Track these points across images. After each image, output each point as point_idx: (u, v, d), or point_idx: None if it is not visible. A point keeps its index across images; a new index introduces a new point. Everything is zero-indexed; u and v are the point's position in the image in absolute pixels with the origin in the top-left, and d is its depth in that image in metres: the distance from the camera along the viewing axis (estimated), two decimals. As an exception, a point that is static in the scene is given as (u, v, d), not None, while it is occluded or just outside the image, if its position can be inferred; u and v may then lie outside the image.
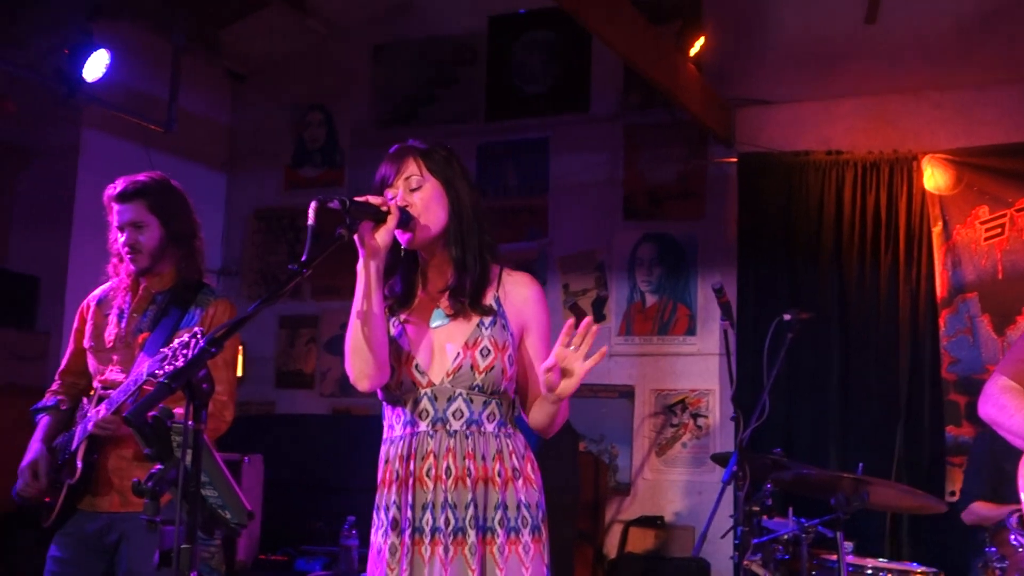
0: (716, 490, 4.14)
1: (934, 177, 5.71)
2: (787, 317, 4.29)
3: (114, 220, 3.35)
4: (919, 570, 4.11)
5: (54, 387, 3.48)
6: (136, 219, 3.29)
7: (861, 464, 4.14)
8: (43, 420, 3.39)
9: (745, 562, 3.91)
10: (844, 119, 6.04)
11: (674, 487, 6.18)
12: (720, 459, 4.88)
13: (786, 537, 4.20)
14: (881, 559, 4.40)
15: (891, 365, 5.64)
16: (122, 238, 3.32)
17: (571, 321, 2.35)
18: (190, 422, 1.90)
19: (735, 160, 6.16)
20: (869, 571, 4.08)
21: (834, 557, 3.94)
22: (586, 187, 6.61)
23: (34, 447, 3.32)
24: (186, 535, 1.90)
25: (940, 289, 5.64)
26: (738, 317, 5.79)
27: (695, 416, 6.18)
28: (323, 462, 5.45)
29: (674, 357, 6.27)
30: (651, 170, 6.47)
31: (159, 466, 1.98)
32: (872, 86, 6.00)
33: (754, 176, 6.08)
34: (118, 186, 3.34)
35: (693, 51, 5.86)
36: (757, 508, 3.93)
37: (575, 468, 5.59)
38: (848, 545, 4.13)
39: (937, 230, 5.67)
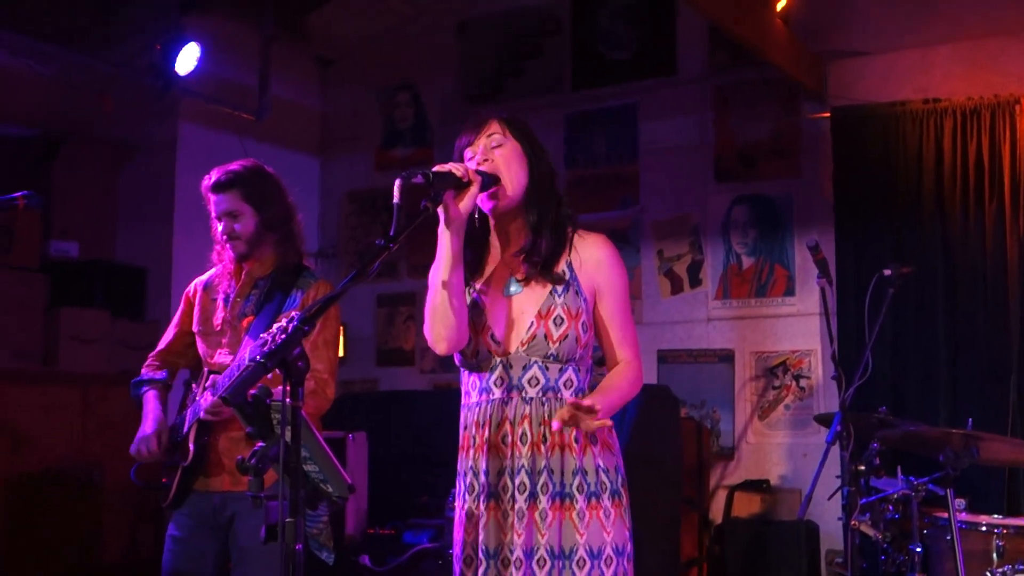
0: (821, 451, 4.07)
1: (1039, 120, 5.49)
2: (887, 272, 4.20)
3: (212, 210, 3.44)
4: (1036, 525, 4.00)
5: (151, 363, 3.58)
6: (231, 208, 3.37)
7: (971, 419, 4.04)
8: (152, 393, 3.49)
9: (854, 522, 3.85)
10: (941, 66, 5.84)
11: (778, 450, 6.11)
12: (823, 420, 4.80)
13: (895, 496, 4.14)
14: (996, 515, 4.29)
15: (1000, 316, 5.46)
16: (220, 227, 3.41)
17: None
18: (287, 399, 1.96)
19: (828, 115, 6.02)
20: (983, 528, 3.99)
21: (945, 515, 3.85)
22: (677, 151, 6.54)
23: (154, 416, 3.41)
24: (290, 509, 1.96)
25: (1050, 235, 5.44)
26: (838, 275, 5.68)
27: (797, 377, 6.09)
28: (426, 437, 5.52)
29: (773, 319, 6.19)
30: (742, 130, 6.37)
31: (261, 444, 2.05)
32: (969, 29, 5.79)
33: (849, 130, 5.93)
34: (213, 176, 3.41)
35: (780, 5, 5.72)
36: (863, 468, 3.86)
37: (677, 434, 5.57)
38: (961, 502, 4.04)
39: (1044, 175, 5.47)
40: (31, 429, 5.35)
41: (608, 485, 2.47)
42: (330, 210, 7.55)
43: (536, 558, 2.39)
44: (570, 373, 2.48)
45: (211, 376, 3.36)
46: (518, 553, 2.40)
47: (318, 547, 3.20)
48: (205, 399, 3.30)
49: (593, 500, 2.44)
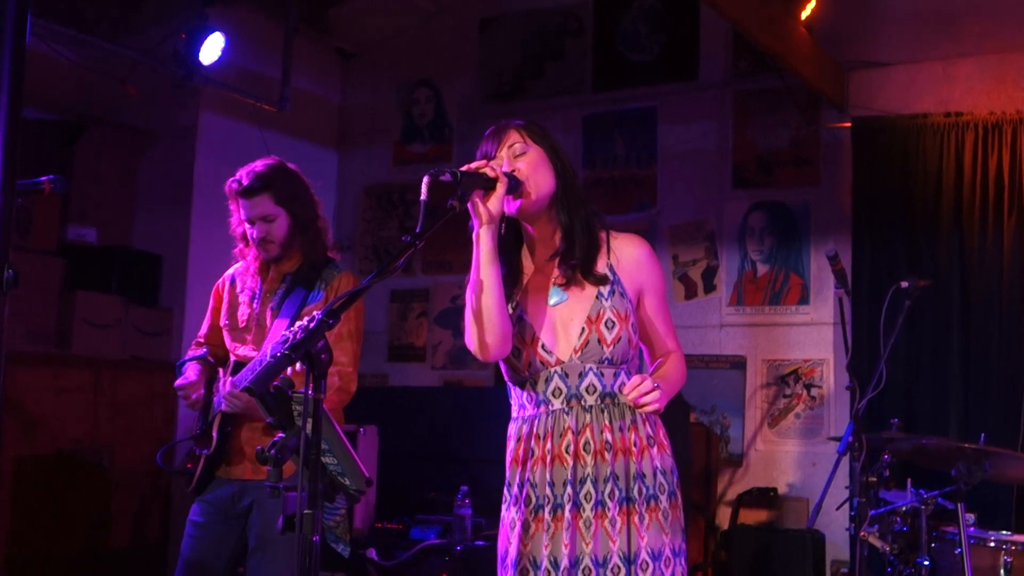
0: (830, 461, 4.08)
1: (1061, 137, 5.48)
2: (904, 285, 4.20)
3: (241, 214, 3.41)
4: (1046, 543, 3.99)
5: (192, 346, 3.63)
6: (265, 213, 3.36)
7: (983, 434, 4.03)
8: (192, 363, 3.53)
9: (862, 534, 3.85)
10: (964, 79, 5.83)
11: (787, 458, 6.10)
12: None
13: (904, 509, 4.13)
14: (1004, 531, 4.28)
15: (1015, 332, 5.45)
16: (252, 231, 3.39)
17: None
18: (310, 391, 1.96)
19: (849, 125, 6.01)
20: (992, 543, 3.99)
21: (954, 529, 3.86)
22: (695, 156, 6.53)
23: (195, 369, 3.47)
24: (308, 501, 1.97)
25: (1067, 253, 5.43)
26: (853, 286, 5.66)
27: (808, 387, 6.08)
28: (436, 433, 5.53)
29: (786, 327, 6.18)
30: (762, 137, 6.36)
31: (281, 434, 2.06)
32: (994, 44, 5.77)
33: (869, 141, 5.93)
34: (242, 180, 3.37)
35: (805, 14, 5.71)
36: (874, 479, 3.86)
37: (686, 439, 5.57)
38: (970, 517, 4.04)
39: (1064, 192, 5.46)
40: (42, 411, 5.36)
41: (666, 487, 2.48)
42: (347, 203, 7.56)
43: (611, 566, 2.38)
44: (623, 377, 2.48)
45: (236, 367, 3.39)
46: (586, 562, 2.38)
47: (335, 539, 3.22)
48: (226, 387, 3.32)
49: (652, 503, 2.44)
